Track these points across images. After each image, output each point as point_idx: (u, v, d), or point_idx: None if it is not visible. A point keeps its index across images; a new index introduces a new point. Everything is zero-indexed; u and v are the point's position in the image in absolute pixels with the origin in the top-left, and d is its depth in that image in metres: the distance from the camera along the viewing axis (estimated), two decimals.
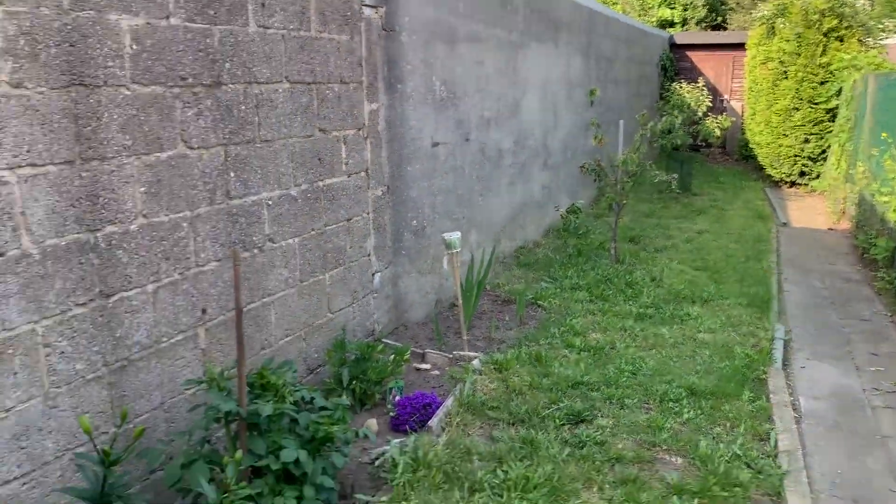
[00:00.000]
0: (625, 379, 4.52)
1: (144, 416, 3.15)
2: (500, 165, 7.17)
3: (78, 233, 2.80)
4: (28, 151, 2.57)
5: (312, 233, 4.29)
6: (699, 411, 4.13)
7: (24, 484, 2.63)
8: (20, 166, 2.55)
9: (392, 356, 4.51)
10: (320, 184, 4.34)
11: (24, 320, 2.60)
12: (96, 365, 2.90)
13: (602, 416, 4.03)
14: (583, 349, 4.99)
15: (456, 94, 6.06)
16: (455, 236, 4.89)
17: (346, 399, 3.28)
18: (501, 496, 3.20)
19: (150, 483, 3.16)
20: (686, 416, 4.07)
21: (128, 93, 2.97)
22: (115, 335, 2.99)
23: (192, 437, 2.95)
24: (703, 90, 14.76)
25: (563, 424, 3.90)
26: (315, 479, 2.90)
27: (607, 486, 3.36)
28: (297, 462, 2.84)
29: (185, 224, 3.33)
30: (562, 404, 4.09)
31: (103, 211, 2.90)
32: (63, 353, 2.76)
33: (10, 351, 2.56)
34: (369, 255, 4.96)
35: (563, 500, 3.20)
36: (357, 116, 4.69)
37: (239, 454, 2.47)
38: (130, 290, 3.06)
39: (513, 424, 3.92)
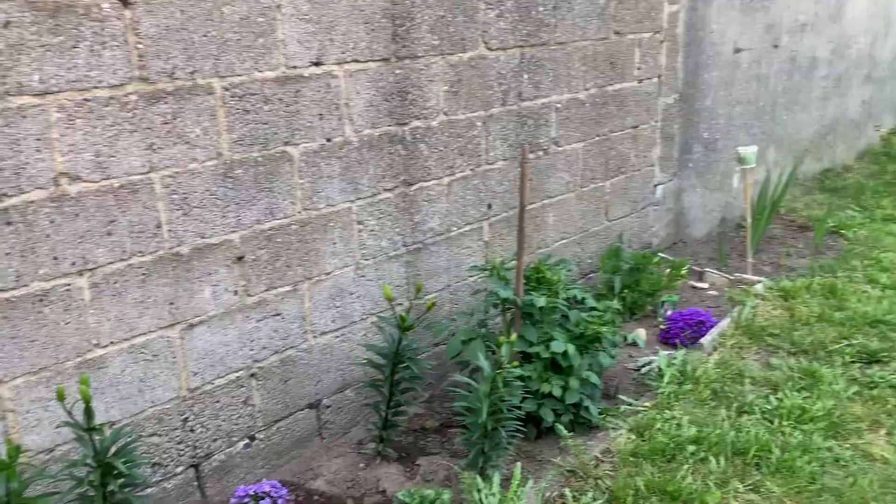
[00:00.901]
0: None
1: (432, 294, 3.49)
2: (812, 77, 6.43)
3: (389, 125, 3.11)
4: (353, 48, 2.90)
5: (597, 138, 4.29)
6: None
7: (337, 337, 3.11)
8: (346, 62, 2.88)
9: (668, 270, 4.43)
10: (609, 89, 4.28)
11: (342, 199, 3.00)
12: (397, 244, 3.27)
13: None
14: (889, 286, 4.45)
15: None
16: (751, 150, 4.56)
17: (616, 303, 3.33)
18: (772, 422, 3.07)
19: (433, 354, 3.53)
20: None
21: None
22: (413, 220, 3.32)
23: (473, 317, 3.23)
24: None
25: (853, 362, 3.57)
26: (580, 373, 3.03)
27: None
28: (564, 354, 2.99)
29: (479, 123, 3.53)
30: (854, 341, 3.74)
31: (411, 107, 3.18)
32: (372, 230, 3.14)
33: (332, 224, 2.98)
34: (653, 165, 4.83)
35: (842, 437, 2.98)
36: (655, 19, 4.49)
37: (514, 337, 2.67)
38: (429, 180, 3.35)
39: (794, 354, 3.69)
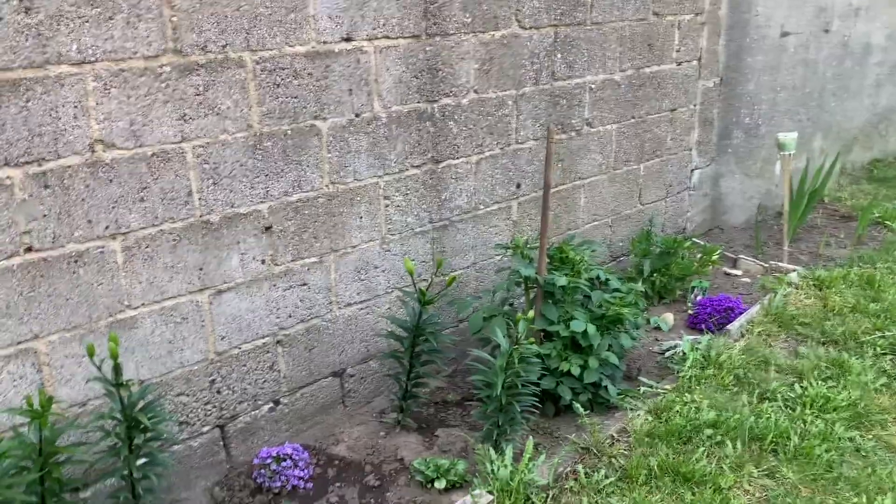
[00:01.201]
0: None
1: (458, 272, 3.54)
2: (866, 63, 6.24)
3: (418, 102, 3.15)
4: (384, 25, 2.94)
5: (632, 120, 4.26)
6: None
7: (361, 309, 3.18)
8: (377, 38, 2.93)
9: (699, 255, 4.39)
10: (646, 70, 4.24)
11: (370, 174, 3.06)
12: (423, 221, 3.32)
13: None
14: None
15: None
16: (790, 136, 4.47)
17: (640, 286, 3.33)
18: (793, 410, 3.05)
19: (457, 330, 3.59)
20: None
21: None
22: (441, 197, 3.36)
23: (495, 295, 3.27)
24: None
25: (885, 354, 3.50)
26: (600, 353, 3.04)
27: None
28: (584, 334, 3.01)
29: (510, 102, 3.54)
30: (888, 333, 3.66)
31: (441, 84, 3.22)
32: (398, 206, 3.20)
33: (358, 199, 3.04)
34: (690, 149, 4.78)
35: (865, 427, 2.94)
36: (696, 0, 4.42)
37: (531, 314, 2.69)
38: (457, 158, 3.38)
39: (823, 344, 3.63)
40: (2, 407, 2.22)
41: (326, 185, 2.91)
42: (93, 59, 2.21)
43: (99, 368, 2.15)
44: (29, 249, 2.20)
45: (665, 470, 2.68)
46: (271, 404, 2.95)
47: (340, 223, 3.00)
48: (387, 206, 3.15)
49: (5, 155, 2.10)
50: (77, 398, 2.38)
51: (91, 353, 2.11)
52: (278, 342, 2.91)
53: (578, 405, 2.96)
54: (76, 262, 2.30)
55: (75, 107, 2.21)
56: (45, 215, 2.21)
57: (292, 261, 2.88)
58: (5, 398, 2.23)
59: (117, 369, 2.16)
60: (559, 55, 3.70)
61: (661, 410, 3.04)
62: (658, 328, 3.90)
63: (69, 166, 2.23)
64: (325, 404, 3.14)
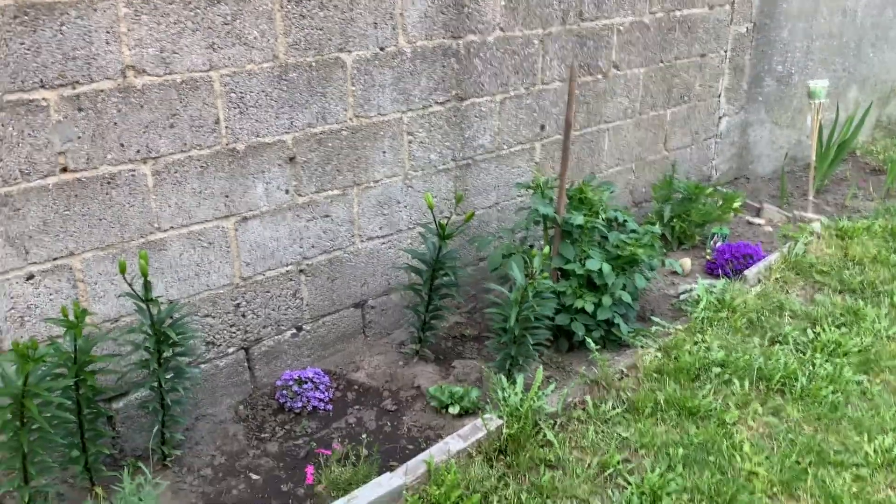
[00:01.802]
0: None
1: (481, 211, 3.59)
2: None
3: (444, 38, 3.17)
4: None
5: (660, 65, 4.22)
6: None
7: (384, 243, 3.26)
8: None
9: (720, 202, 4.39)
10: (677, 13, 4.18)
11: (393, 109, 3.10)
12: (446, 158, 3.36)
13: None
14: None
15: None
16: (821, 84, 4.40)
17: (657, 228, 3.35)
18: (804, 353, 3.09)
19: (478, 268, 3.66)
20: None
21: None
22: (464, 136, 3.40)
23: (515, 233, 3.32)
24: None
25: None
26: (614, 292, 3.10)
27: None
28: (599, 272, 3.06)
29: (536, 41, 3.54)
30: None
31: (467, 20, 3.22)
32: (421, 142, 3.24)
33: (382, 133, 3.09)
34: (719, 96, 4.73)
35: (874, 372, 2.98)
36: None
37: (546, 249, 2.75)
38: (481, 97, 3.41)
39: (840, 292, 3.65)
40: (39, 319, 2.35)
41: (350, 119, 2.96)
42: None
43: (130, 285, 2.27)
44: (64, 170, 2.30)
45: (671, 404, 2.76)
46: (294, 330, 3.07)
47: (364, 157, 3.06)
48: (410, 141, 3.20)
49: (41, 77, 2.18)
50: (110, 314, 2.51)
51: (122, 269, 2.22)
52: (301, 271, 3.01)
53: (591, 341, 3.03)
54: (109, 183, 2.40)
55: (107, 32, 2.27)
56: (79, 137, 2.30)
57: (316, 192, 2.95)
58: (43, 311, 2.36)
59: (147, 286, 2.27)
60: None
61: (671, 349, 3.10)
62: (675, 272, 3.94)
63: (102, 90, 2.31)
64: (347, 333, 3.25)
